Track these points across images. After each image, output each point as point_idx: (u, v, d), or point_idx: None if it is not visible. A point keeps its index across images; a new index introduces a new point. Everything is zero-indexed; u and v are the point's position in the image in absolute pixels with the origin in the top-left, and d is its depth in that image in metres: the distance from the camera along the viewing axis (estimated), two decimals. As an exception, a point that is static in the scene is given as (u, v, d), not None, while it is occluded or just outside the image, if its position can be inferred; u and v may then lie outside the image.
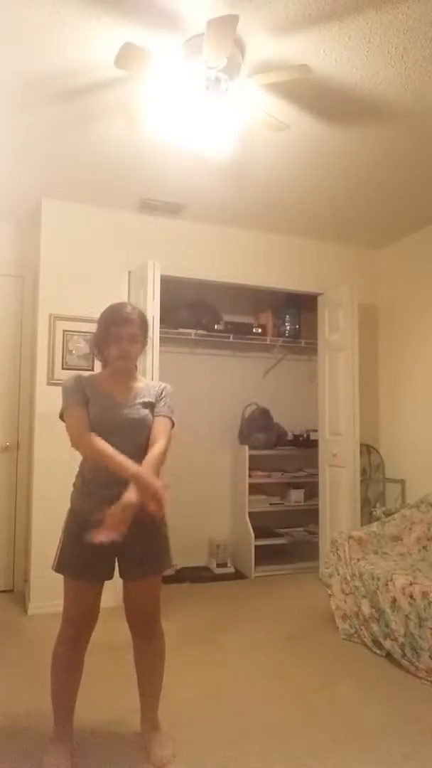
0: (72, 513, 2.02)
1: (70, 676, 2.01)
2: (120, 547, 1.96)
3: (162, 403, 2.08)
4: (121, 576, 2.03)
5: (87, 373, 2.14)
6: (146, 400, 2.06)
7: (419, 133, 2.90)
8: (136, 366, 2.15)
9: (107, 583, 2.02)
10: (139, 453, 2.00)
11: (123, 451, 1.93)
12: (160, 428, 2.03)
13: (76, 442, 1.95)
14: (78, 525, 1.96)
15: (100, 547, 1.91)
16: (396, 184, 3.50)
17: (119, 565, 2.02)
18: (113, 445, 1.94)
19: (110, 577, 2.01)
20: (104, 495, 1.92)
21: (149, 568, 2.01)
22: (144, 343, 2.10)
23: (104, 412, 1.99)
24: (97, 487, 1.97)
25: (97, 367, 2.24)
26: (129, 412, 2.01)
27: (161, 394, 2.09)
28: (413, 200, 3.74)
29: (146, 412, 2.04)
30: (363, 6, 2.03)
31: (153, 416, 2.05)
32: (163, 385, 2.13)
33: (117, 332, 2.01)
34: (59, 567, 1.99)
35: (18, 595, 3.86)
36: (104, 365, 2.13)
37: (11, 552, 4.00)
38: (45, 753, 1.96)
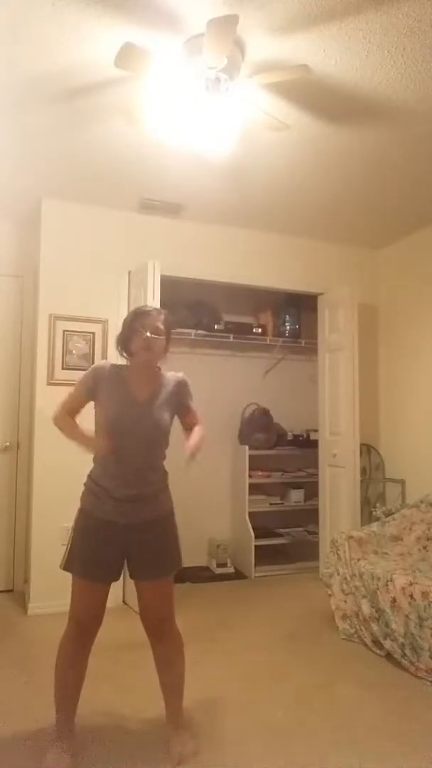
0: (83, 512, 2.03)
1: (74, 675, 2.01)
2: (130, 549, 1.99)
3: (183, 395, 2.12)
4: (131, 577, 2.04)
5: (119, 365, 2.13)
6: (166, 398, 2.07)
7: (419, 133, 2.90)
8: (159, 369, 2.15)
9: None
10: (153, 455, 2.03)
11: (137, 454, 1.98)
12: (194, 414, 2.15)
13: (59, 411, 2.07)
14: (89, 524, 1.98)
15: (110, 548, 1.96)
16: (396, 184, 3.50)
17: (130, 566, 2.03)
18: (128, 446, 1.97)
19: (117, 578, 2.03)
20: (121, 486, 1.97)
21: (159, 570, 2.02)
22: (167, 343, 2.10)
23: (122, 411, 1.99)
24: (114, 475, 1.98)
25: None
26: (147, 416, 2.01)
27: (178, 385, 2.12)
28: (413, 200, 3.74)
29: (165, 415, 2.05)
30: (363, 6, 2.03)
31: (172, 412, 2.08)
32: (179, 376, 2.15)
33: (141, 322, 2.03)
34: (68, 565, 1.99)
35: (18, 595, 3.86)
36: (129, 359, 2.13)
37: (11, 552, 4.00)
38: (46, 752, 1.96)
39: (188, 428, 2.15)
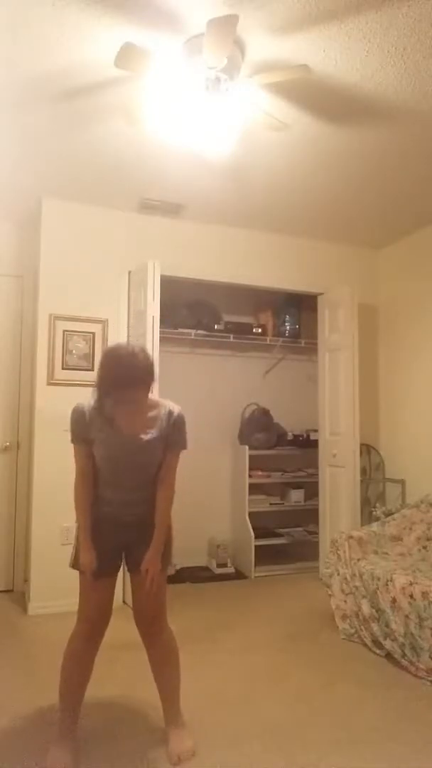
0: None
1: (80, 674, 2.03)
2: (130, 543, 2.04)
3: (172, 435, 2.02)
4: (129, 570, 2.09)
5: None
6: (156, 434, 2.00)
7: (419, 133, 2.90)
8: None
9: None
10: (146, 484, 2.05)
11: (131, 485, 2.02)
12: (171, 466, 2.05)
13: (76, 480, 2.03)
14: (94, 522, 2.02)
15: (114, 544, 2.02)
16: (396, 184, 3.50)
17: (129, 560, 2.07)
18: (121, 479, 2.01)
19: (118, 569, 2.08)
20: (118, 496, 2.03)
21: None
22: (150, 386, 1.95)
23: (112, 449, 1.99)
24: (110, 488, 2.03)
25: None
26: (137, 451, 1.99)
27: (171, 423, 2.02)
28: (413, 200, 3.74)
29: (156, 449, 2.01)
30: (363, 6, 2.03)
31: (163, 444, 2.03)
32: (174, 412, 2.03)
33: (120, 392, 1.88)
34: (76, 563, 2.03)
35: (18, 595, 3.86)
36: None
37: (11, 552, 4.00)
38: (48, 751, 1.96)
39: (159, 479, 2.04)
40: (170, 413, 2.03)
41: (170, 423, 2.02)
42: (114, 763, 1.98)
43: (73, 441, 2.02)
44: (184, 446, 2.07)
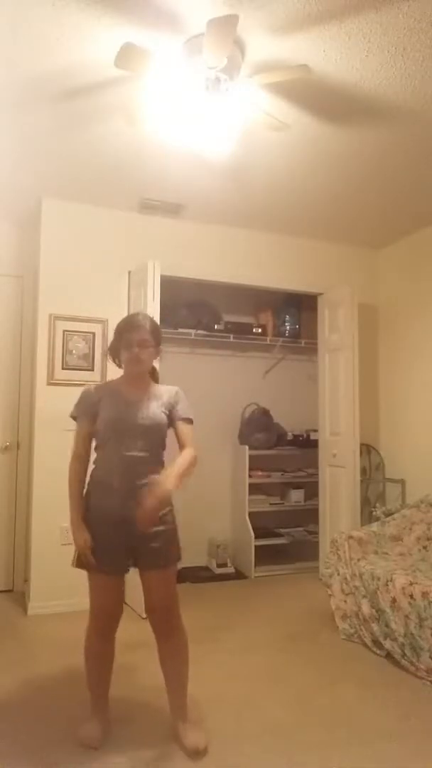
0: (89, 510, 2.08)
1: (102, 667, 2.11)
2: (136, 541, 2.03)
3: (179, 406, 2.17)
4: (138, 567, 2.09)
5: (104, 382, 2.22)
6: (160, 401, 2.14)
7: (419, 133, 2.90)
8: (155, 371, 2.26)
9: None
10: (150, 448, 2.09)
11: (134, 448, 2.05)
12: (186, 433, 2.16)
13: (71, 460, 2.14)
14: (96, 521, 2.04)
15: (118, 541, 2.02)
16: (396, 184, 3.50)
17: (137, 557, 2.08)
18: (126, 446, 2.05)
19: (127, 569, 2.09)
20: (125, 484, 2.04)
21: (163, 560, 2.06)
22: (157, 350, 2.20)
23: (116, 412, 2.08)
24: (115, 476, 2.05)
25: (107, 371, 2.24)
26: (141, 413, 2.09)
27: (175, 397, 2.18)
28: (413, 200, 3.74)
29: (159, 413, 2.12)
30: (363, 6, 2.03)
31: (169, 419, 2.14)
32: (175, 388, 2.22)
33: (128, 338, 2.12)
34: (79, 563, 2.04)
35: (18, 595, 3.86)
36: (121, 368, 2.23)
37: (11, 552, 4.00)
38: (80, 726, 2.09)
39: (180, 447, 2.16)
40: (171, 390, 2.21)
41: (174, 395, 2.18)
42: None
43: (76, 416, 2.14)
44: (190, 414, 2.18)
